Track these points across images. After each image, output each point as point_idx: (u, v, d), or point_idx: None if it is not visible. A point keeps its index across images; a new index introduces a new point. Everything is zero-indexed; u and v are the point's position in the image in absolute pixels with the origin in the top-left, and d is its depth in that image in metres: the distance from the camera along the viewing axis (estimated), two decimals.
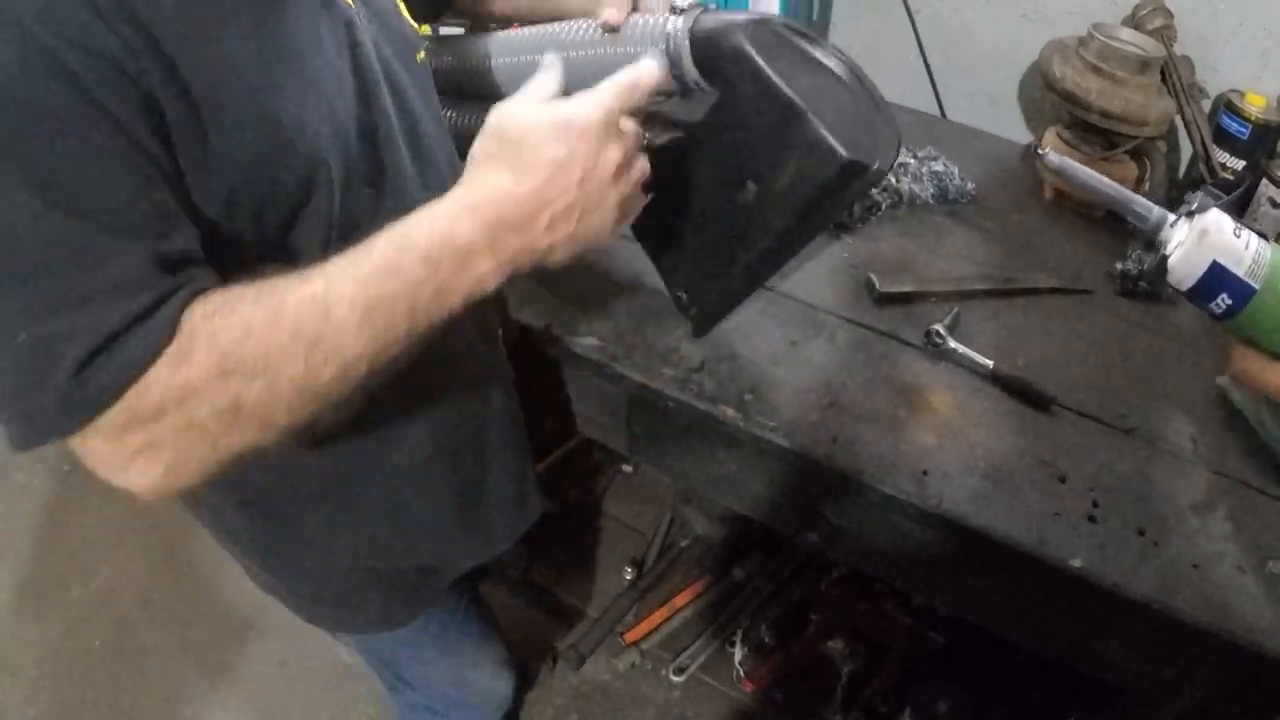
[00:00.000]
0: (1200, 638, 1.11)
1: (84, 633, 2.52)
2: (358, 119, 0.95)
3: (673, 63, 1.11)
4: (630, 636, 2.25)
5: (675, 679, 2.19)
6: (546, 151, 0.86)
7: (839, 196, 1.05)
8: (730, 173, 1.09)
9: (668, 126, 1.16)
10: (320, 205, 0.91)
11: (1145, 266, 1.58)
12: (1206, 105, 1.86)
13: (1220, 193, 1.75)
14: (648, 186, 0.97)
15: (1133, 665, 1.27)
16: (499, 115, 0.88)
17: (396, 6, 1.11)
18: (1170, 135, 1.89)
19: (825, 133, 0.98)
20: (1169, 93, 1.78)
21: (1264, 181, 1.72)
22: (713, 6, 1.14)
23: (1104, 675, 1.32)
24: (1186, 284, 0.79)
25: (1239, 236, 0.78)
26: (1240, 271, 0.77)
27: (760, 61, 1.03)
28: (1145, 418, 1.34)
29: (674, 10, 1.13)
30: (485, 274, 0.86)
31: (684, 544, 2.43)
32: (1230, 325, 0.80)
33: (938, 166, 1.78)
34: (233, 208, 0.84)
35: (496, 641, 1.71)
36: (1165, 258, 0.80)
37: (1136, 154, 1.76)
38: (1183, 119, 1.80)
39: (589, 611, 2.34)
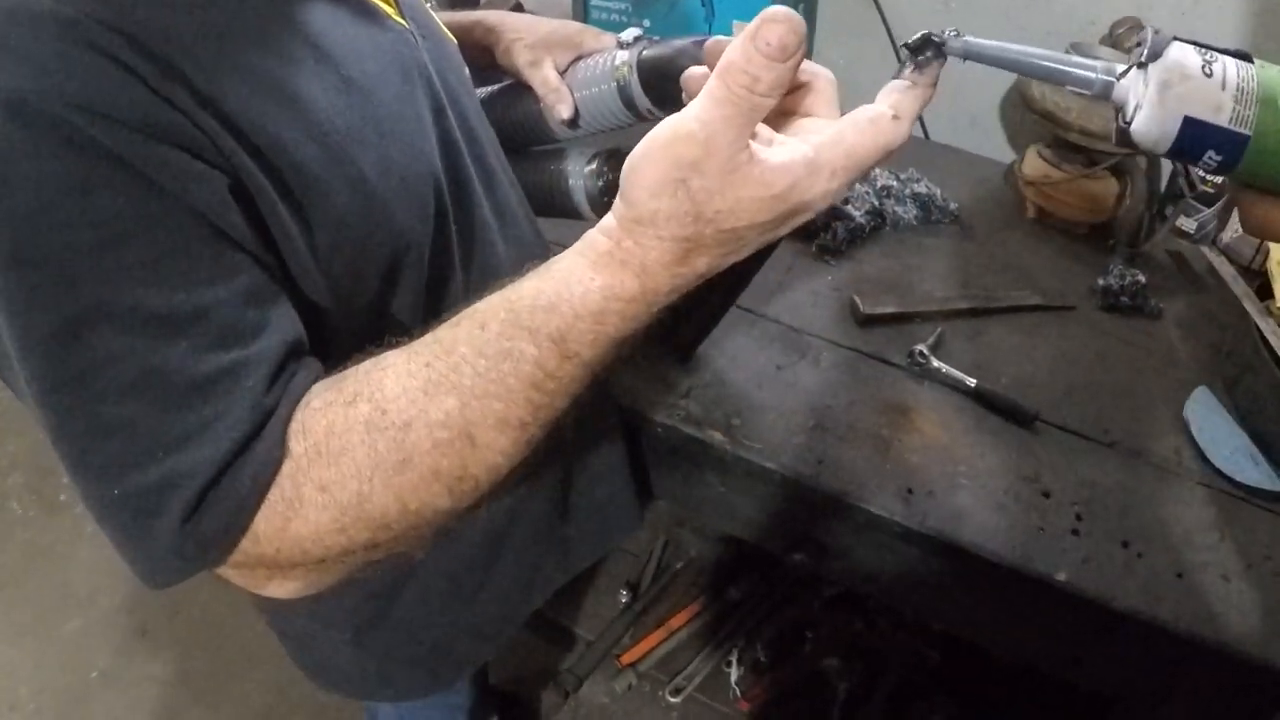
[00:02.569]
0: (1186, 646, 1.12)
1: (82, 663, 2.52)
2: (438, 149, 0.94)
3: (625, 95, 1.14)
4: (626, 658, 2.25)
5: (672, 700, 2.19)
6: (751, 215, 0.61)
7: None
8: None
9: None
10: (414, 258, 0.90)
11: (1126, 280, 1.60)
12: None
13: (1201, 206, 1.78)
14: None
15: (1121, 676, 1.28)
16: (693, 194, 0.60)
17: (437, 23, 1.10)
18: None
19: None
20: None
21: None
22: (655, 38, 1.17)
23: (1094, 686, 1.33)
24: (1162, 148, 0.61)
25: (1210, 75, 0.59)
26: (1223, 120, 0.58)
27: None
28: (1128, 431, 1.36)
29: (620, 45, 1.18)
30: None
31: (678, 566, 2.44)
32: (1231, 176, 0.62)
33: (920, 188, 1.80)
34: (332, 279, 0.81)
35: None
36: (1125, 128, 0.61)
37: (1117, 170, 1.78)
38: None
39: (585, 635, 2.33)
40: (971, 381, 1.37)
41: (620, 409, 1.34)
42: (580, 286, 0.64)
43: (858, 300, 1.51)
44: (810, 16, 2.14)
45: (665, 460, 1.40)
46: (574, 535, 1.33)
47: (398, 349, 0.71)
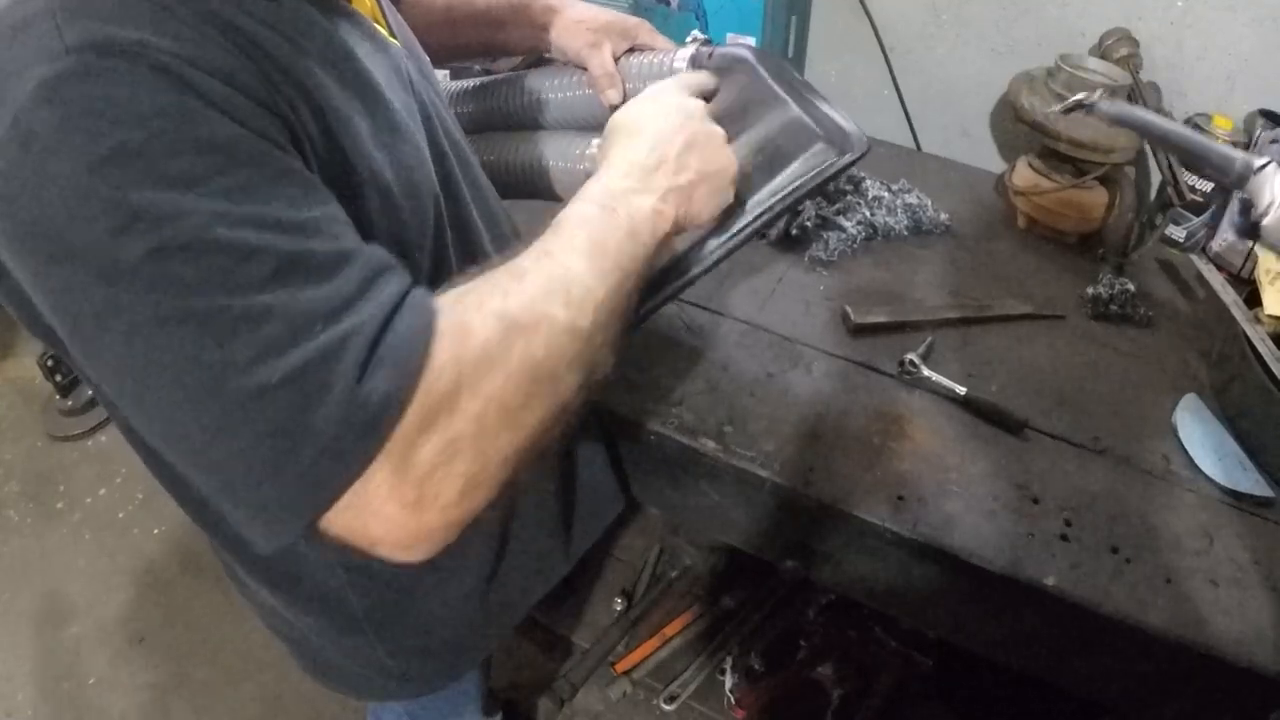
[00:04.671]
0: (1174, 651, 1.13)
1: (79, 670, 2.52)
2: (431, 157, 0.99)
3: None
4: (621, 666, 2.26)
5: (667, 707, 2.20)
6: (649, 113, 1.02)
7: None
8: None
9: None
10: (414, 261, 0.93)
11: (1115, 289, 1.61)
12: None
13: (1190, 215, 1.79)
14: None
15: (1112, 681, 1.29)
16: (611, 121, 1.04)
17: (415, 39, 1.15)
18: (1139, 160, 1.93)
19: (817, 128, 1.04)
20: None
21: (1232, 202, 1.75)
22: (716, 45, 1.22)
23: (1085, 692, 1.34)
24: None
25: None
26: None
27: (762, 69, 1.12)
28: (1117, 438, 1.37)
29: (684, 48, 1.24)
30: (651, 208, 0.92)
31: (673, 574, 2.46)
32: None
33: (911, 199, 1.82)
34: None
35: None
36: (1255, 222, 0.63)
37: (1106, 180, 1.79)
38: (1150, 145, 1.84)
39: (580, 643, 2.35)
40: (961, 390, 1.38)
41: (609, 413, 1.37)
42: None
43: (849, 310, 1.52)
44: (803, 30, 2.16)
45: (658, 468, 1.41)
46: (574, 519, 1.35)
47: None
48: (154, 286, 0.64)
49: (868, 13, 2.11)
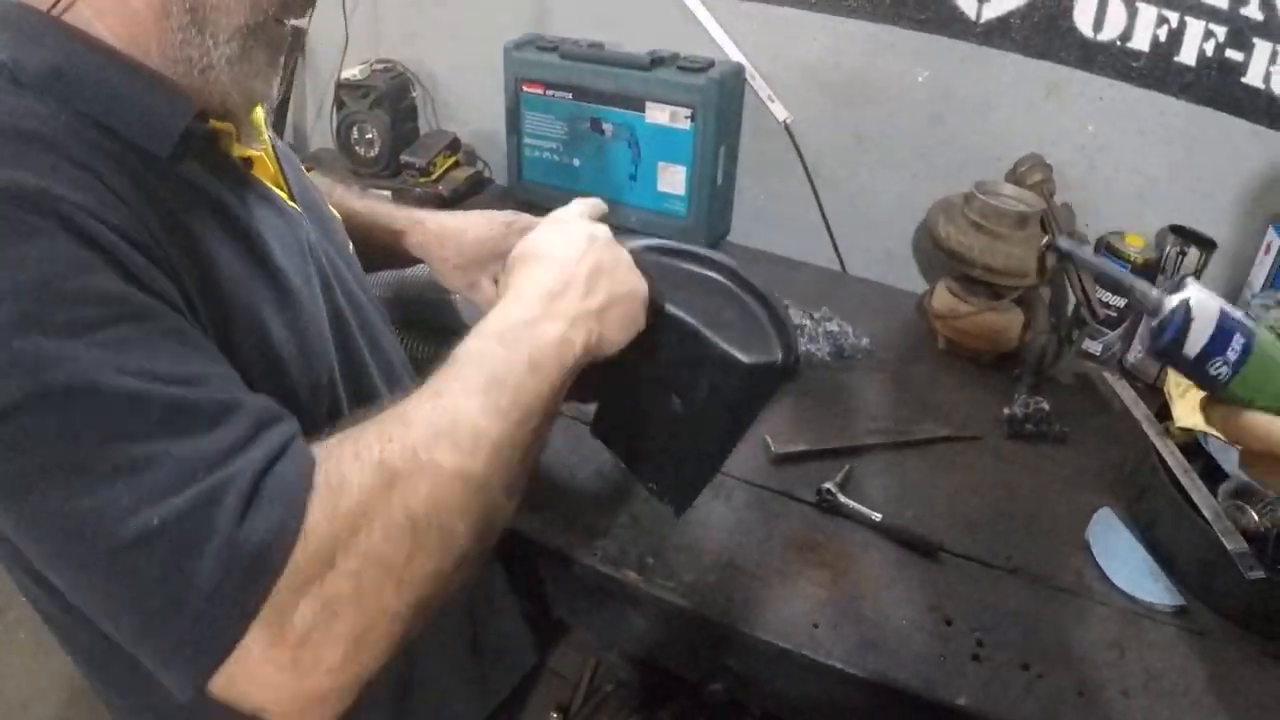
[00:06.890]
0: None
1: None
2: (329, 321, 1.02)
3: None
4: None
5: None
6: (552, 238, 1.02)
7: (758, 395, 1.11)
8: (656, 388, 1.14)
9: None
10: (317, 414, 0.95)
11: (1031, 409, 1.67)
12: (1087, 249, 1.97)
13: (1105, 330, 1.86)
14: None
15: None
16: (514, 250, 1.04)
17: (323, 201, 1.19)
18: (1056, 278, 2.00)
19: (725, 346, 1.03)
20: None
21: (1145, 318, 1.82)
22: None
23: None
24: (1201, 343, 0.74)
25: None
26: (1239, 315, 0.73)
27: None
28: (1031, 556, 1.42)
29: None
30: (559, 336, 0.92)
31: (609, 689, 2.45)
32: (1232, 386, 0.74)
33: (833, 326, 1.88)
34: None
35: None
36: (1183, 330, 0.74)
37: (1022, 302, 1.86)
38: (1069, 270, 1.91)
39: None
40: (877, 516, 1.43)
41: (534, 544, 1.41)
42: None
43: (769, 439, 1.57)
44: (732, 158, 2.24)
45: (585, 595, 1.44)
46: (488, 670, 1.38)
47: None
48: (28, 434, 0.65)
49: (794, 140, 2.20)
